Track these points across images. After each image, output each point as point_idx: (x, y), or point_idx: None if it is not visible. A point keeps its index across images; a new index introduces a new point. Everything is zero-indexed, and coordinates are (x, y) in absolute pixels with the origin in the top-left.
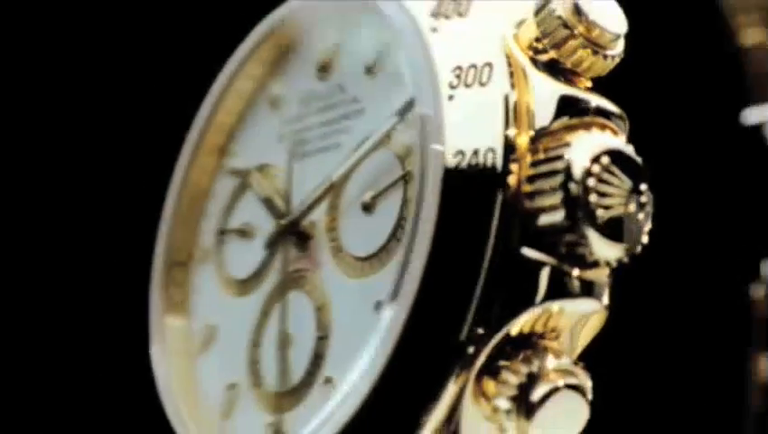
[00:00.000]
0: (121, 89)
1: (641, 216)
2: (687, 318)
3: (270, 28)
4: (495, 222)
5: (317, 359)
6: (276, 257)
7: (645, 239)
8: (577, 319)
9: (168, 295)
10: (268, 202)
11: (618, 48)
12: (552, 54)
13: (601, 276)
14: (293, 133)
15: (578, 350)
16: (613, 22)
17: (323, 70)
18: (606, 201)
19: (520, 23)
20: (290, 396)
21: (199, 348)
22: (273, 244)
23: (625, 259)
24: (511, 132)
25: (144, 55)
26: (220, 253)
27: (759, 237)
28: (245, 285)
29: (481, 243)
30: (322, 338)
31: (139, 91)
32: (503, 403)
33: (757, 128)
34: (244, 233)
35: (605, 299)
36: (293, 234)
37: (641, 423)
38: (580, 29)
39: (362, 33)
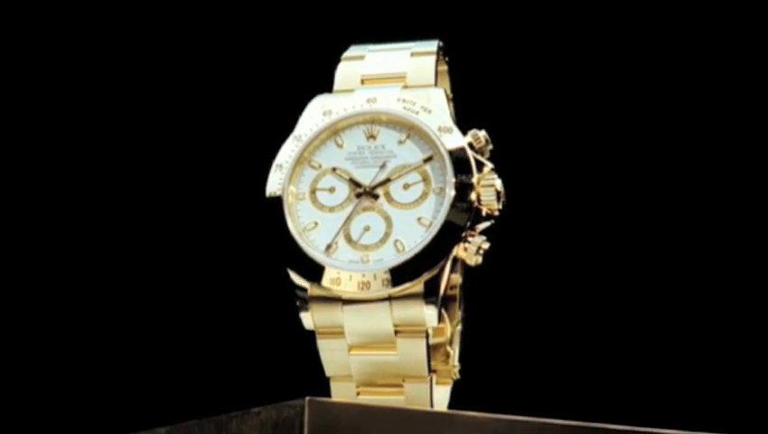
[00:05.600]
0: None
1: (504, 199)
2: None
3: (346, 117)
4: (471, 198)
5: (387, 235)
6: (354, 200)
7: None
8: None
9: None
10: (352, 181)
11: (490, 148)
12: (473, 144)
13: (490, 215)
14: (355, 158)
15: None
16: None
17: (371, 137)
18: (503, 195)
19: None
20: (372, 246)
21: (307, 230)
22: (358, 197)
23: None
24: (474, 171)
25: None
26: (314, 196)
27: None
28: (333, 208)
29: (469, 204)
30: (389, 228)
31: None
32: (471, 250)
33: None
34: (331, 190)
35: (490, 223)
36: (368, 194)
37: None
38: (483, 142)
39: (396, 128)
